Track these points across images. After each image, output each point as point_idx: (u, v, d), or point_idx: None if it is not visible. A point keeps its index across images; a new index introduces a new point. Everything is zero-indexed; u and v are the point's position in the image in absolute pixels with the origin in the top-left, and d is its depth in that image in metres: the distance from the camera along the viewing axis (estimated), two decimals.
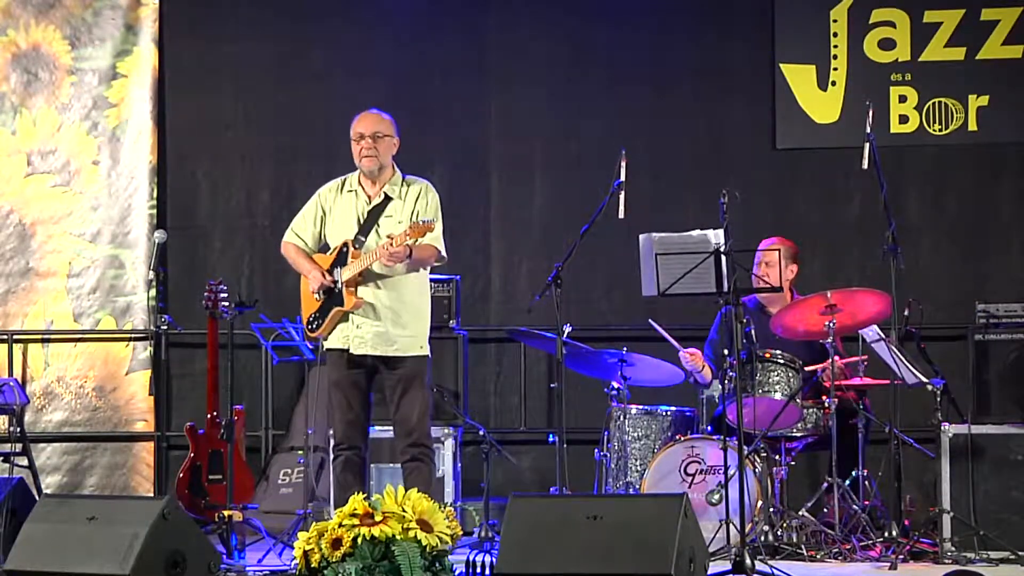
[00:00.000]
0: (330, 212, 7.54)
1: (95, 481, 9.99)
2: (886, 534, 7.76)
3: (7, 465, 8.29)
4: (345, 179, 7.58)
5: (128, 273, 10.09)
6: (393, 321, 7.36)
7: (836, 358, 7.96)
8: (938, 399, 7.88)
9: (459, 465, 9.01)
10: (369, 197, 7.47)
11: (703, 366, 8.42)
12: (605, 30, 9.99)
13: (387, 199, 7.44)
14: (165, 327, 9.31)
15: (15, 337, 10.04)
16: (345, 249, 7.39)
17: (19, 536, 6.44)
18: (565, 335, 8.02)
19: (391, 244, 7.16)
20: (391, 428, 7.56)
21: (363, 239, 7.37)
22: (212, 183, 10.23)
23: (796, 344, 8.25)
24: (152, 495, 9.74)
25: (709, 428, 8.31)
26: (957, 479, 8.02)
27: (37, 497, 7.85)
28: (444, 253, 7.44)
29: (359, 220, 7.44)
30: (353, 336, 7.36)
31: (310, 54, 10.20)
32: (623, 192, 7.97)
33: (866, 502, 7.99)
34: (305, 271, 7.48)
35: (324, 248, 7.56)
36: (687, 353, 8.42)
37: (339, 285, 7.34)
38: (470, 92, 10.12)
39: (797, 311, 8.09)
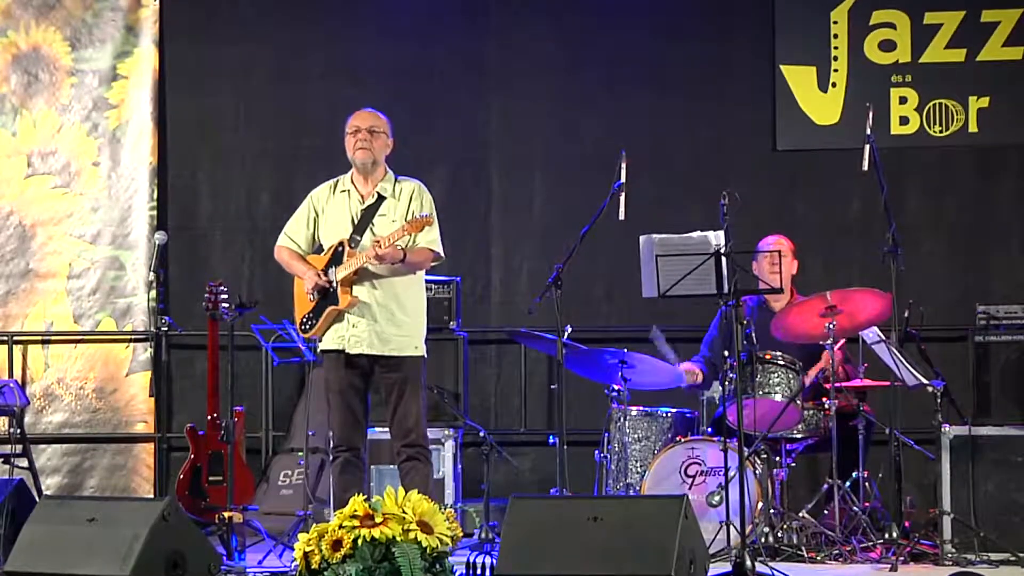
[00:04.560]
0: (323, 213, 7.54)
1: (95, 482, 9.99)
2: (886, 535, 7.76)
3: (7, 466, 8.29)
4: (337, 180, 7.59)
5: (128, 274, 10.09)
6: (389, 320, 7.36)
7: (834, 352, 7.98)
8: (938, 400, 7.88)
9: (459, 466, 9.01)
10: (362, 196, 7.48)
11: (699, 378, 8.43)
12: (605, 30, 9.99)
13: (380, 198, 7.45)
14: (165, 328, 9.31)
15: (15, 338, 10.04)
16: (341, 249, 7.39)
17: (19, 537, 6.44)
18: (565, 336, 8.02)
19: (379, 245, 7.18)
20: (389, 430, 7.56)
21: (359, 238, 7.38)
22: (212, 184, 10.23)
23: (796, 345, 8.25)
24: (152, 496, 9.74)
25: (709, 430, 8.32)
26: (957, 480, 8.02)
27: (37, 498, 7.85)
28: (442, 253, 7.45)
29: (353, 220, 7.44)
30: (349, 336, 7.36)
31: (310, 55, 10.21)
32: (623, 193, 7.98)
33: (866, 503, 7.99)
34: (300, 273, 7.49)
35: (319, 250, 7.56)
36: (684, 371, 8.44)
37: (334, 284, 7.35)
38: (470, 92, 10.12)
39: (797, 312, 8.08)
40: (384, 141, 7.50)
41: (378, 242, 7.23)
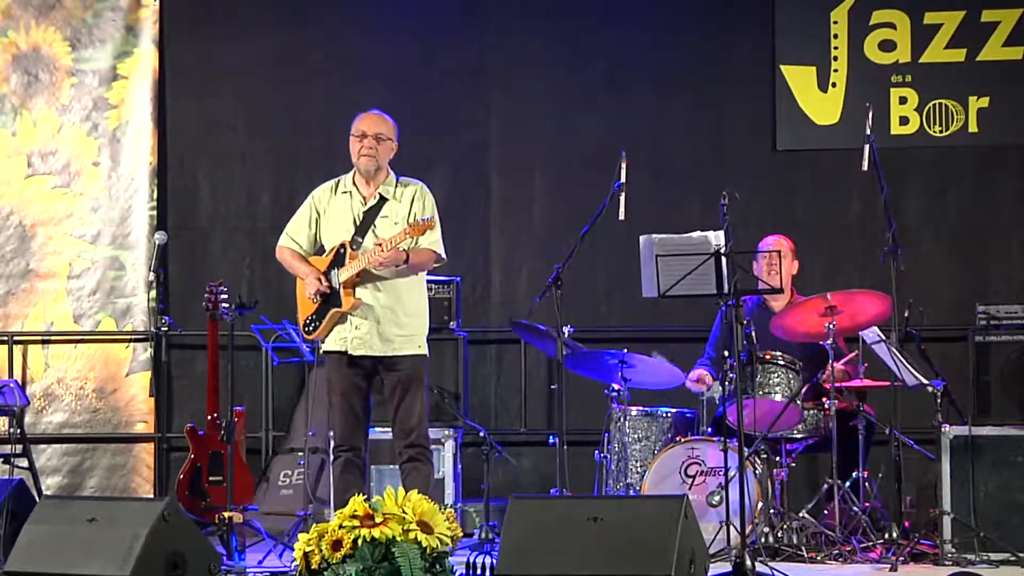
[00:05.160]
0: (324, 214, 7.54)
1: (95, 482, 9.99)
2: (886, 536, 7.76)
3: (7, 466, 8.29)
4: (339, 181, 7.59)
5: (128, 274, 10.09)
6: (392, 321, 7.37)
7: (835, 362, 7.97)
8: (938, 400, 7.88)
9: (459, 466, 9.01)
10: (364, 198, 7.48)
11: (711, 384, 8.42)
12: (605, 30, 9.99)
13: (382, 200, 7.45)
14: (165, 328, 9.31)
15: (15, 338, 10.04)
16: (343, 250, 7.39)
17: (19, 537, 6.43)
18: (565, 336, 8.02)
19: (382, 249, 7.19)
20: (391, 430, 7.56)
21: (360, 240, 7.38)
22: (212, 184, 10.23)
23: (796, 345, 8.25)
24: (152, 496, 9.74)
25: (709, 430, 8.32)
26: (957, 480, 8.01)
27: (37, 498, 7.85)
28: (443, 255, 7.46)
29: (355, 221, 7.44)
30: (352, 337, 7.37)
31: (310, 54, 10.21)
32: (623, 194, 7.98)
33: (866, 503, 7.99)
34: (302, 274, 7.49)
35: (320, 250, 7.56)
36: (693, 380, 8.42)
37: (336, 288, 7.35)
38: (470, 92, 10.12)
39: (797, 313, 8.09)
40: (389, 147, 7.50)
41: (380, 245, 7.24)
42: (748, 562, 6.73)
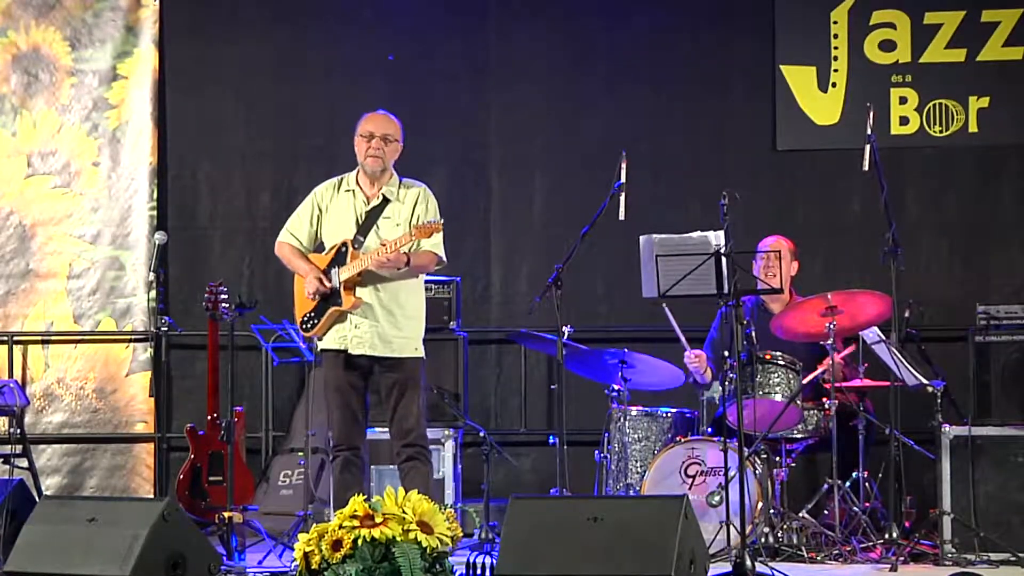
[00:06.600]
0: (327, 211, 7.54)
1: (95, 483, 9.99)
2: (886, 536, 7.76)
3: (7, 467, 8.29)
4: (342, 178, 7.59)
5: (128, 274, 10.09)
6: (390, 322, 7.37)
7: (836, 356, 7.98)
8: (938, 400, 7.88)
9: (459, 466, 9.01)
10: (367, 198, 7.48)
11: (706, 368, 8.43)
12: (605, 30, 9.99)
13: (385, 201, 7.45)
14: (165, 328, 9.30)
15: (15, 338, 10.04)
16: (344, 249, 7.39)
17: (19, 538, 6.44)
18: (565, 336, 8.02)
19: (385, 250, 7.18)
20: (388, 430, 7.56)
21: (362, 239, 7.38)
22: (212, 184, 10.23)
23: (796, 345, 8.25)
24: (152, 496, 9.74)
25: (710, 430, 8.31)
26: (957, 481, 8.01)
27: (37, 499, 7.85)
28: (444, 257, 7.46)
29: (357, 221, 7.44)
30: (352, 336, 7.37)
31: (310, 54, 10.21)
32: (623, 194, 7.98)
33: (866, 504, 7.99)
34: (301, 271, 7.48)
35: (320, 247, 7.56)
36: (692, 355, 8.42)
37: (337, 287, 7.34)
38: (470, 92, 10.12)
39: (797, 313, 8.09)
40: (396, 148, 7.51)
41: (384, 245, 7.23)
42: (748, 562, 6.73)
